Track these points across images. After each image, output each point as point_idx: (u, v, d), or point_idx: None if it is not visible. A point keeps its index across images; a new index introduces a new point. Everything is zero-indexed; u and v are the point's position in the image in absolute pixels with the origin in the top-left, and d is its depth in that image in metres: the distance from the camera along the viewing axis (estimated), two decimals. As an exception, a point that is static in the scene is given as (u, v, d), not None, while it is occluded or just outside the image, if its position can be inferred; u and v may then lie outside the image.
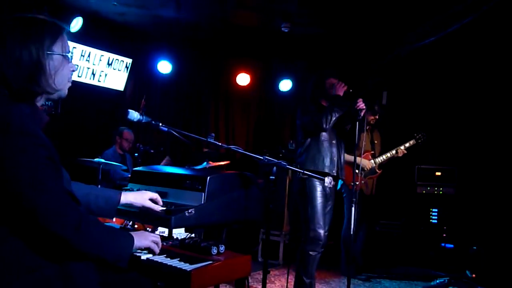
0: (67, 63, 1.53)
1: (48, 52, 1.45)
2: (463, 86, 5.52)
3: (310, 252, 3.53)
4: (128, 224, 2.78)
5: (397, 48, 5.54)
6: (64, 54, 1.51)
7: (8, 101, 1.39)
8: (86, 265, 1.49)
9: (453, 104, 5.64)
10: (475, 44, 5.03)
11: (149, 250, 1.75)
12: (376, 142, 5.03)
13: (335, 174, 3.65)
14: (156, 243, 1.74)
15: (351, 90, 3.62)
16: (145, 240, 1.69)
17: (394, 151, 4.89)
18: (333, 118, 3.53)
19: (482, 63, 5.19)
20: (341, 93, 3.61)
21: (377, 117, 4.93)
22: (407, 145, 4.91)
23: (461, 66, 5.41)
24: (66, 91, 1.55)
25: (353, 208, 3.44)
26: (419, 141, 4.98)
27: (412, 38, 5.27)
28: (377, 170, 4.90)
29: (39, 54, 1.43)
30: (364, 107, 3.58)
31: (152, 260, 1.88)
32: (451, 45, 5.11)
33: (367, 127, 4.91)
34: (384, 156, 4.89)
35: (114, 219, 2.63)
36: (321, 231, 3.52)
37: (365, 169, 4.81)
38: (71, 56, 1.55)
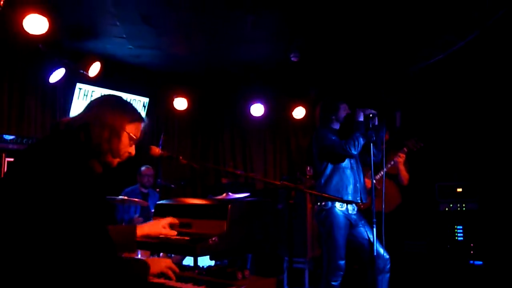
0: (130, 146, 1.80)
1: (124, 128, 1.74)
2: (476, 100, 5.52)
3: (332, 283, 3.53)
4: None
5: (407, 67, 5.61)
6: (132, 136, 1.79)
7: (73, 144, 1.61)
8: None
9: (465, 118, 5.63)
10: (490, 57, 5.06)
11: (165, 277, 1.87)
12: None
13: (359, 201, 3.65)
14: (169, 267, 1.86)
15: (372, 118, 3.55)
16: (159, 266, 1.82)
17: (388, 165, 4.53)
18: (361, 143, 3.53)
19: (498, 76, 5.19)
20: (362, 119, 3.58)
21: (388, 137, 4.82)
22: (401, 154, 4.54)
23: (476, 80, 5.42)
24: (115, 163, 1.77)
25: (374, 229, 3.42)
26: (414, 148, 4.57)
27: (422, 56, 5.34)
28: (377, 187, 4.57)
29: (121, 125, 1.73)
30: (373, 111, 3.55)
31: (180, 289, 1.94)
32: (464, 60, 5.14)
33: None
34: (381, 172, 4.52)
35: (139, 252, 2.70)
36: (342, 262, 3.53)
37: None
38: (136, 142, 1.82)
